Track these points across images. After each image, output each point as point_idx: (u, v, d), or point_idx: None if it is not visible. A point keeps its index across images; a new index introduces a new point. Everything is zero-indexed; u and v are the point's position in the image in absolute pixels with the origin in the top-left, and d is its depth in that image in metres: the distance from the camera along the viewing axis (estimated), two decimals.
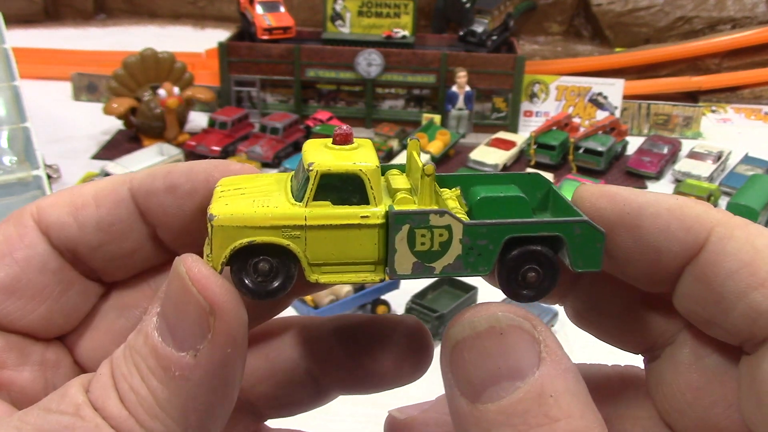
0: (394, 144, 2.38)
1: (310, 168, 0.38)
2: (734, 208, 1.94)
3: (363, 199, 0.39)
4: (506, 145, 2.42)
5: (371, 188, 0.39)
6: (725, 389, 0.38)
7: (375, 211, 0.39)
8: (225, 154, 2.31)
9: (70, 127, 2.52)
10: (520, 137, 2.47)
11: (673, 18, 3.23)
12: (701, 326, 0.38)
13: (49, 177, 1.60)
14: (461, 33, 2.69)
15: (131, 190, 0.43)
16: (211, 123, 2.41)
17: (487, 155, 2.35)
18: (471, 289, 1.59)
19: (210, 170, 0.43)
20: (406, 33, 2.71)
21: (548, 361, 0.34)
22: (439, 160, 2.35)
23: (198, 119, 2.56)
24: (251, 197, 0.39)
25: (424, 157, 2.25)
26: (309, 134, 2.41)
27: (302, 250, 0.38)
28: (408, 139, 0.44)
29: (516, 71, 2.54)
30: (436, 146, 2.36)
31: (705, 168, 2.30)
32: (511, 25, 2.77)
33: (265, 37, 2.61)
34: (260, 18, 2.62)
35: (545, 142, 2.35)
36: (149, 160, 2.20)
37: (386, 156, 2.31)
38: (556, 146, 2.34)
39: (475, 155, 2.35)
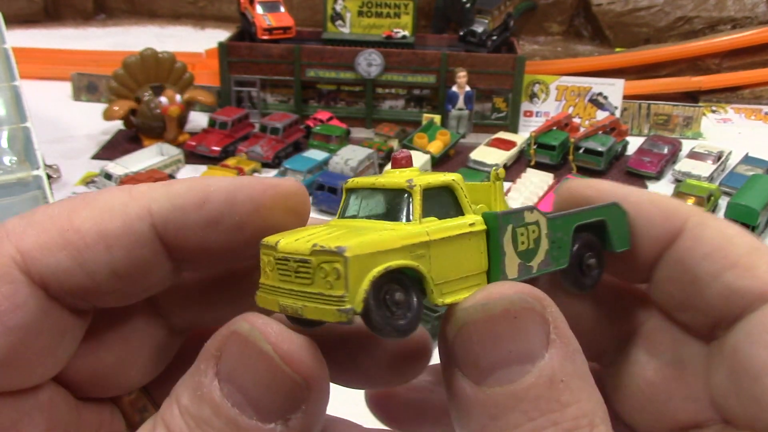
0: (395, 144, 2.38)
1: (412, 185, 0.38)
2: (734, 208, 1.94)
3: (458, 211, 0.39)
4: (506, 145, 2.41)
5: (465, 197, 0.39)
6: (679, 383, 0.40)
7: (476, 218, 0.38)
8: (225, 154, 2.31)
9: (70, 127, 2.52)
10: (520, 137, 2.47)
11: (673, 18, 3.23)
12: (676, 311, 0.41)
13: (49, 177, 1.60)
14: (461, 33, 2.68)
15: (155, 227, 0.35)
16: (212, 123, 2.40)
17: (487, 155, 2.35)
18: None
19: (257, 197, 0.37)
20: (406, 33, 2.71)
21: (558, 344, 0.33)
22: (440, 161, 2.35)
23: (198, 119, 2.56)
24: (347, 231, 0.36)
25: (425, 157, 2.25)
26: (309, 134, 2.41)
27: (428, 271, 0.36)
28: (495, 170, 0.43)
29: (516, 71, 2.54)
30: (436, 146, 2.36)
31: (705, 168, 2.29)
32: (512, 25, 2.77)
33: (265, 37, 2.60)
34: (260, 18, 2.62)
35: (545, 142, 2.35)
36: (149, 160, 2.20)
37: (386, 156, 2.30)
38: (556, 146, 2.34)
39: (475, 155, 2.35)
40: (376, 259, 0.34)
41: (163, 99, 2.35)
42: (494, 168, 0.42)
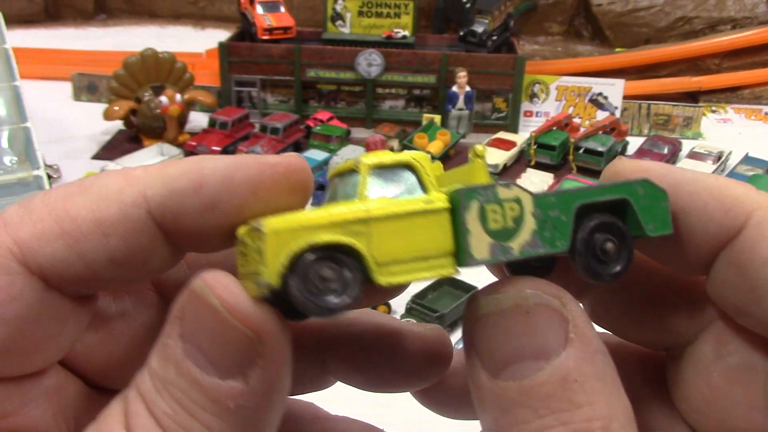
0: (395, 144, 2.38)
1: (359, 163, 0.36)
2: None
3: (423, 191, 0.36)
4: (506, 145, 2.42)
5: (426, 174, 0.36)
6: (747, 390, 0.36)
7: (437, 196, 0.36)
8: (225, 154, 2.31)
9: (70, 127, 2.52)
10: (521, 137, 2.47)
11: (673, 18, 3.23)
12: (733, 314, 0.37)
13: (49, 177, 1.60)
14: (461, 33, 2.68)
15: (151, 213, 0.34)
16: (212, 123, 2.41)
17: (488, 155, 2.35)
18: (472, 289, 1.59)
19: (256, 178, 0.35)
20: (407, 33, 2.71)
21: (576, 342, 0.32)
22: (440, 161, 2.35)
23: (198, 119, 2.56)
24: (296, 213, 0.35)
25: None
26: (309, 134, 2.41)
27: (367, 249, 0.34)
28: (476, 147, 0.39)
29: (516, 71, 2.54)
30: (437, 146, 2.36)
31: (705, 168, 2.29)
32: (512, 26, 2.77)
33: (266, 37, 2.61)
34: (260, 18, 2.62)
35: (545, 142, 2.35)
36: (150, 160, 2.20)
37: None
38: (557, 146, 2.34)
39: None
40: (297, 235, 0.32)
41: (164, 98, 2.35)
42: (472, 146, 0.38)
